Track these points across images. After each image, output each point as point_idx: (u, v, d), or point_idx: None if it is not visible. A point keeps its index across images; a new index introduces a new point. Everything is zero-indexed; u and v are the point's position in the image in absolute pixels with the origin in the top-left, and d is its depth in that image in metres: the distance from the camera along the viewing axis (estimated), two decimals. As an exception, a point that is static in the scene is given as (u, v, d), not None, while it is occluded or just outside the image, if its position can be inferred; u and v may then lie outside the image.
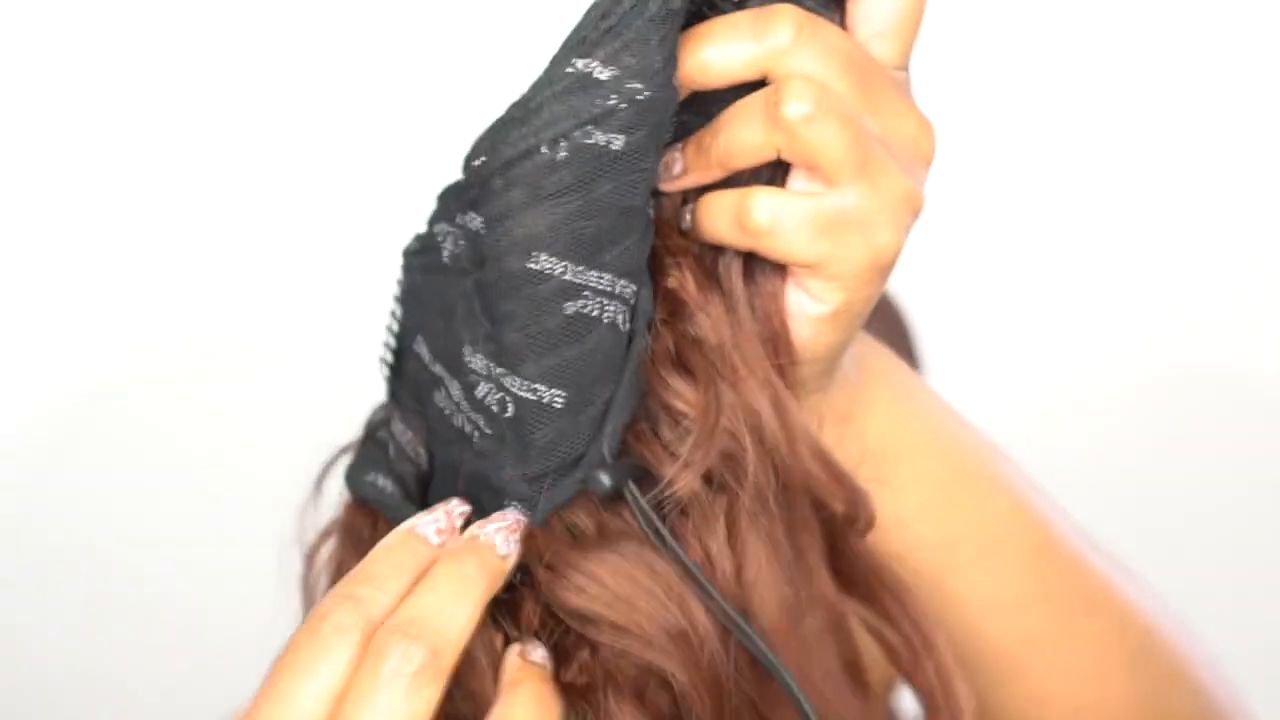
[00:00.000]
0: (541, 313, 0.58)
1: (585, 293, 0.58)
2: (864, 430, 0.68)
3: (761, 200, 0.60)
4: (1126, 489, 1.38)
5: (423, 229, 0.64)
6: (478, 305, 0.59)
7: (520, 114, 0.58)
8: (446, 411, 0.62)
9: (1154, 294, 1.39)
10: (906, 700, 0.94)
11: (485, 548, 0.59)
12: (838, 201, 0.60)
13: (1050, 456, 1.27)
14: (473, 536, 0.60)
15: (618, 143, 0.57)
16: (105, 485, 1.17)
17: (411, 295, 0.63)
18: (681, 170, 0.62)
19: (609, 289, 0.59)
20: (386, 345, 0.66)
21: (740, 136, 0.60)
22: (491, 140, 0.58)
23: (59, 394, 1.09)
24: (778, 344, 0.63)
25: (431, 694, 0.56)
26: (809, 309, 0.62)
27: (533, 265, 0.58)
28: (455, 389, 0.61)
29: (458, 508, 0.60)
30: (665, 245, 0.62)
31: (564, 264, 0.58)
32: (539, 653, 0.61)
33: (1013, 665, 0.72)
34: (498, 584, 0.59)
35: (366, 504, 0.64)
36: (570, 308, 0.58)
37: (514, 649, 0.61)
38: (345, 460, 0.68)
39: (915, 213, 0.62)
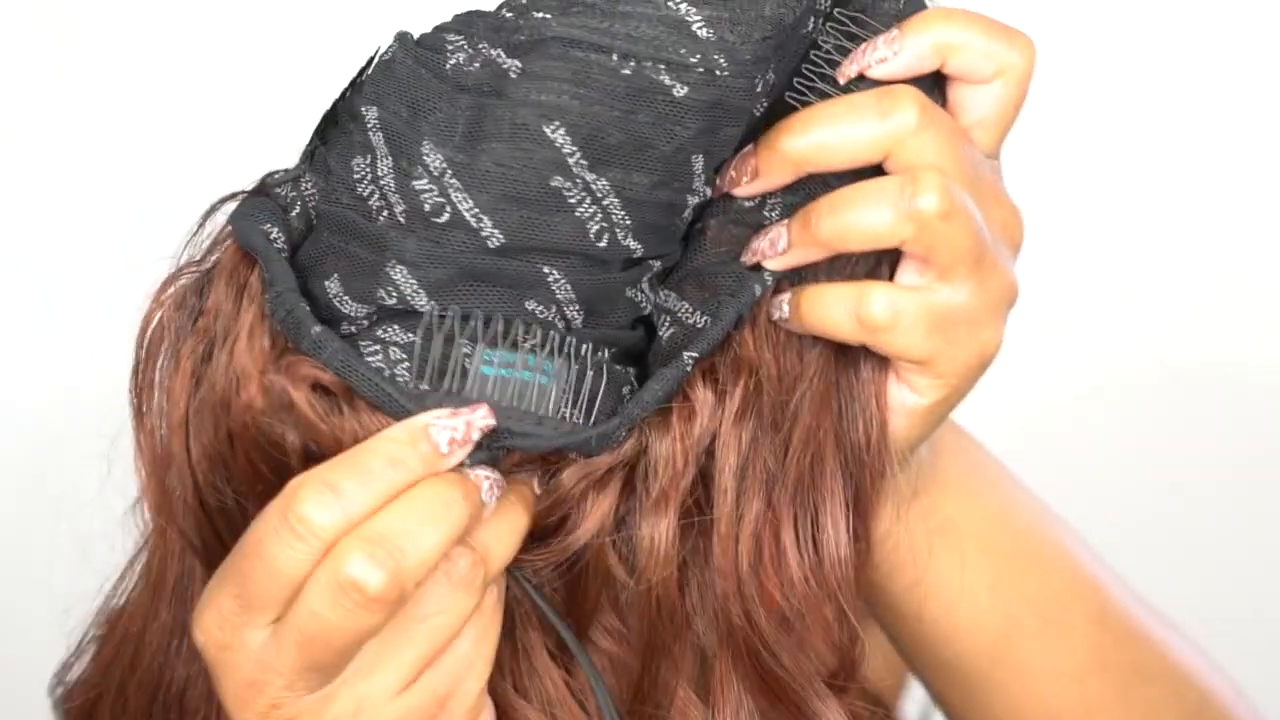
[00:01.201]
0: (527, 168, 0.57)
1: (578, 182, 0.57)
2: (934, 507, 0.68)
3: (880, 295, 0.59)
4: (1128, 490, 1.39)
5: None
6: (463, 122, 0.57)
7: (602, 8, 0.57)
8: (358, 176, 0.59)
9: (1156, 292, 1.39)
10: (910, 702, 0.94)
11: (473, 487, 0.58)
12: (949, 297, 0.60)
13: (1052, 457, 1.28)
14: (463, 471, 0.58)
15: (680, 91, 0.57)
16: (104, 484, 1.16)
17: (388, 70, 0.59)
18: (786, 246, 0.60)
19: (600, 197, 0.58)
20: (338, 98, 0.62)
21: (864, 221, 0.59)
22: (563, 5, 0.57)
23: (59, 394, 1.07)
24: (872, 437, 0.62)
25: (379, 621, 0.55)
26: (908, 402, 0.62)
27: (546, 129, 0.57)
28: (386, 165, 0.58)
29: (481, 420, 0.58)
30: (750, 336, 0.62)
31: (575, 149, 0.57)
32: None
33: None
34: (469, 527, 0.58)
35: (254, 253, 0.60)
36: (556, 182, 0.57)
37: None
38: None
39: (1013, 304, 0.62)
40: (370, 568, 0.55)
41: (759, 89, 0.58)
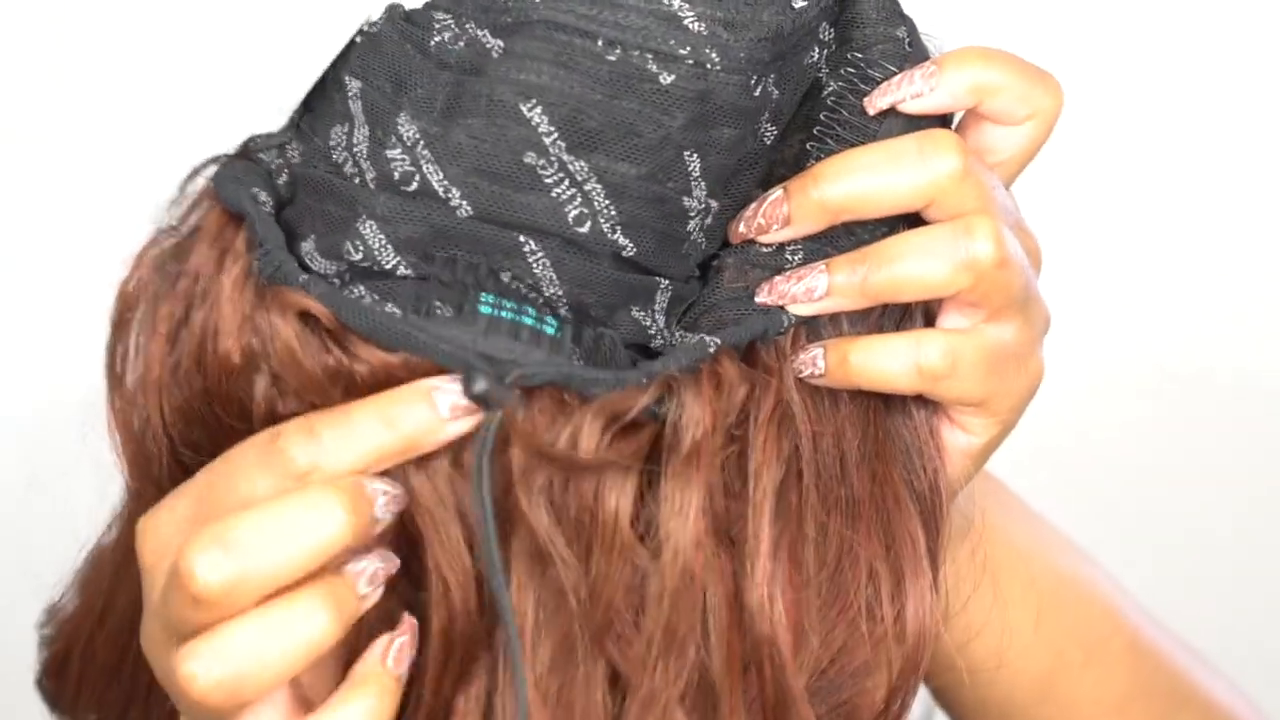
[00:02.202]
0: (500, 143, 0.56)
1: (554, 162, 0.56)
2: (978, 547, 0.67)
3: (939, 343, 0.59)
4: (1127, 492, 1.39)
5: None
6: (442, 98, 0.57)
7: None
8: (334, 143, 0.59)
9: (1155, 295, 1.40)
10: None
11: (365, 501, 0.54)
12: (999, 336, 0.59)
13: (1052, 460, 1.28)
14: (360, 481, 0.55)
15: (667, 79, 0.56)
16: (105, 486, 1.15)
17: (374, 43, 0.59)
18: (825, 294, 0.59)
19: (580, 180, 0.56)
20: (329, 68, 0.61)
21: (919, 272, 0.58)
22: None
23: (57, 393, 1.06)
24: (935, 484, 0.61)
25: (202, 620, 0.53)
26: (961, 444, 0.62)
27: (523, 107, 0.56)
28: (362, 134, 0.58)
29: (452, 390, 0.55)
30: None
31: (553, 129, 0.56)
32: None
33: None
34: (350, 545, 0.54)
35: (243, 214, 0.59)
36: (529, 159, 0.56)
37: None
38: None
39: (1048, 329, 0.63)
40: (208, 565, 0.52)
41: (757, 92, 0.58)
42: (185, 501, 0.56)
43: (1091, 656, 0.71)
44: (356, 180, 0.58)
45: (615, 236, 0.57)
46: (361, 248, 0.57)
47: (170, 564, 0.54)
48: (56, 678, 0.69)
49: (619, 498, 0.57)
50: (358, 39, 0.60)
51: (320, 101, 0.61)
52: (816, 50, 0.61)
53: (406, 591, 0.58)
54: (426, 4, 0.59)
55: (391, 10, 0.59)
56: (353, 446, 0.54)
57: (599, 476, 0.56)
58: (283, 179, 0.61)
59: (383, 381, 0.56)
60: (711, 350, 0.58)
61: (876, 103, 0.60)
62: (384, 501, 0.55)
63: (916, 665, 0.60)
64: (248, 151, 0.62)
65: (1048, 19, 1.35)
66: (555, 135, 0.56)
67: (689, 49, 0.56)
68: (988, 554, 0.68)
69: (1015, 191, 0.64)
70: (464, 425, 0.55)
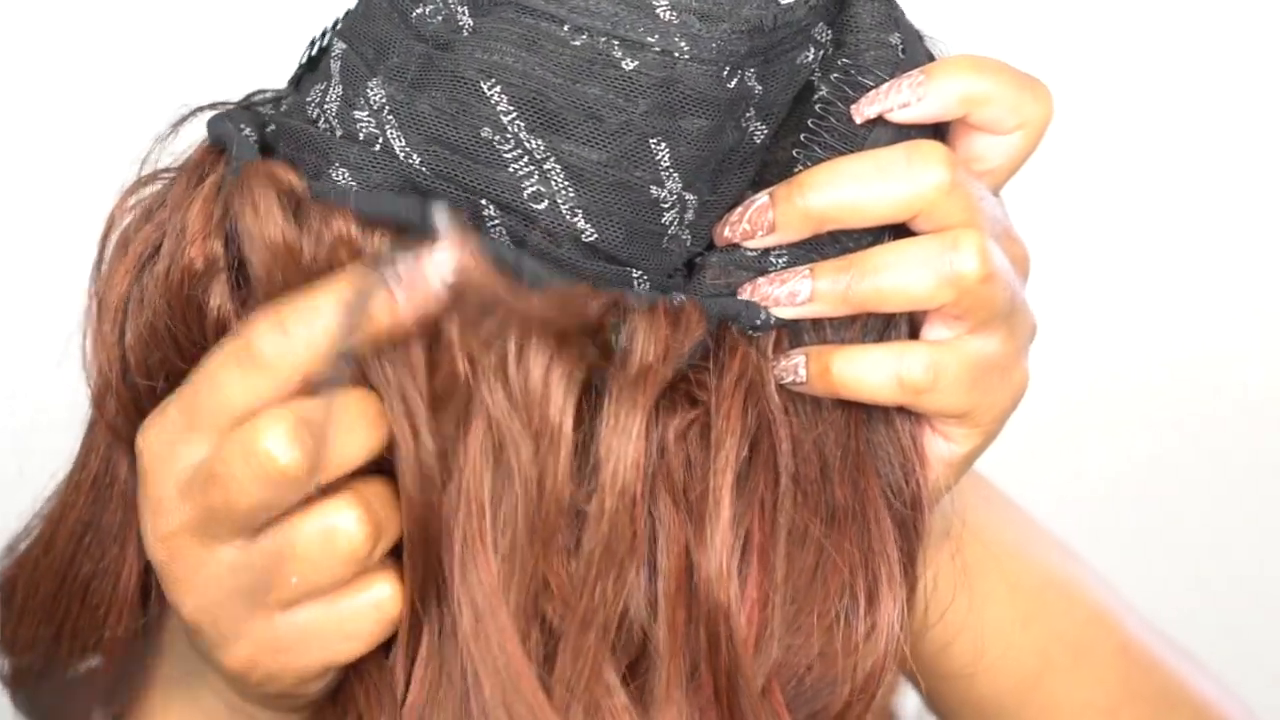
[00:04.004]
0: (459, 116, 0.57)
1: (510, 139, 0.57)
2: (959, 549, 0.67)
3: (921, 356, 0.59)
4: (1126, 494, 1.39)
5: None
6: (414, 69, 0.58)
7: None
8: (310, 99, 0.60)
9: (1152, 297, 1.39)
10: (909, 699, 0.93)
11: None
12: (982, 348, 0.59)
13: (1049, 463, 1.28)
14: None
15: (629, 64, 0.56)
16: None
17: (367, 9, 0.60)
18: (808, 299, 0.59)
19: (539, 159, 0.57)
20: (328, 29, 0.63)
21: (903, 284, 0.58)
22: None
23: (54, 393, 1.06)
24: (917, 495, 0.61)
25: (276, 499, 0.55)
26: (944, 453, 0.61)
27: (483, 85, 0.57)
28: (335, 93, 0.59)
29: (440, 266, 0.55)
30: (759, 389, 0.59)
31: (512, 109, 0.57)
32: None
33: None
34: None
35: (223, 139, 0.61)
36: (486, 133, 0.57)
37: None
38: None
39: (1034, 338, 0.62)
40: (288, 445, 0.55)
41: (731, 84, 0.57)
42: (175, 409, 0.58)
43: (1080, 658, 0.71)
44: (328, 134, 0.59)
45: (575, 220, 0.57)
46: (335, 194, 0.58)
47: (220, 454, 0.56)
48: (4, 607, 0.70)
49: (565, 394, 0.57)
50: (357, 4, 0.61)
51: (310, 71, 0.62)
52: (812, 50, 0.60)
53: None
54: None
55: None
56: (317, 332, 0.55)
57: (547, 364, 0.56)
58: (270, 128, 0.62)
59: (348, 256, 0.57)
60: (675, 301, 0.58)
61: (864, 111, 0.60)
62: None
63: (877, 679, 0.60)
64: (249, 103, 0.63)
65: (1043, 20, 1.35)
66: (514, 115, 0.57)
67: (657, 37, 0.56)
68: (971, 555, 0.68)
69: (1007, 193, 0.64)
70: (422, 304, 0.55)
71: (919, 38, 0.63)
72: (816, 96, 0.61)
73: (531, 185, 0.57)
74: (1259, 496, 1.41)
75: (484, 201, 0.57)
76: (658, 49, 0.56)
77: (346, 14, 0.61)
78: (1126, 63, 1.36)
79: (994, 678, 0.70)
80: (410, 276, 0.55)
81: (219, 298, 0.60)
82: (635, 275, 0.59)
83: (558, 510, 0.57)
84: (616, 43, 0.56)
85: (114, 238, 0.62)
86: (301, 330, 0.55)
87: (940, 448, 0.61)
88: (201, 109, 0.64)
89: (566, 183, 0.57)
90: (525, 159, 0.57)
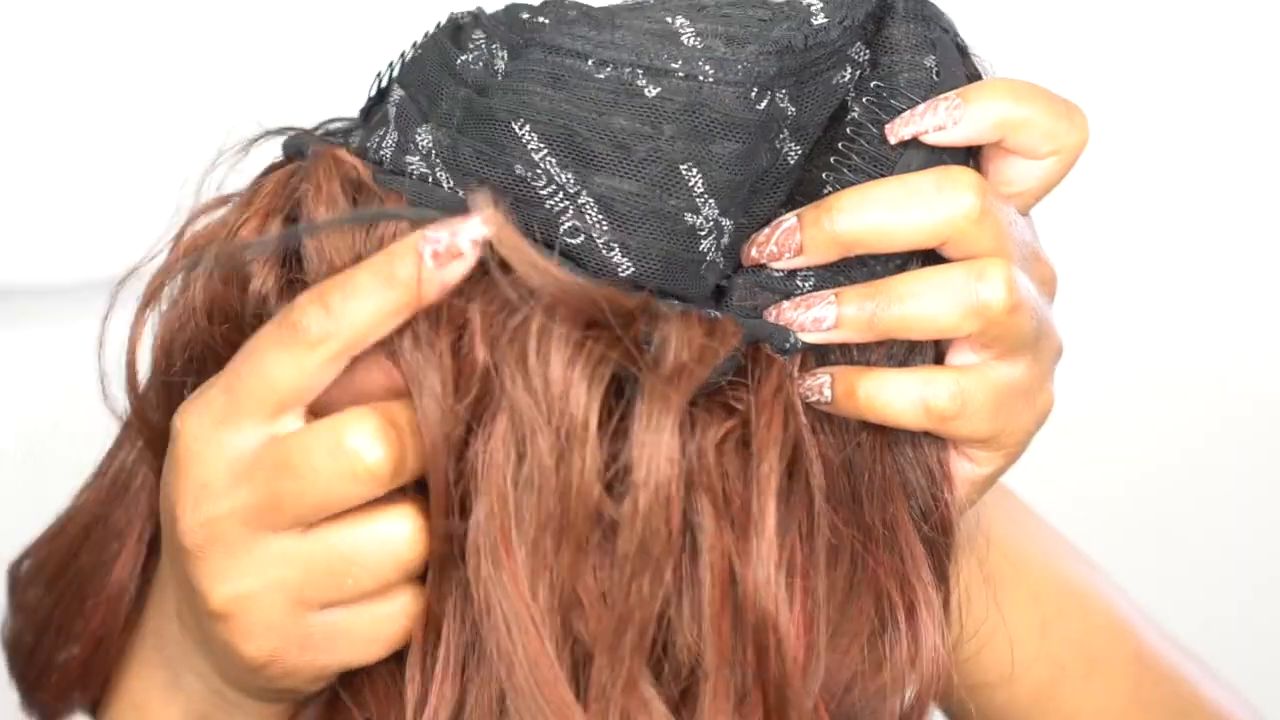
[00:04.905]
0: (495, 159, 0.57)
1: (543, 176, 0.57)
2: (982, 559, 0.67)
3: (947, 383, 0.59)
4: (1125, 496, 1.39)
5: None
6: (459, 114, 0.58)
7: (600, 20, 0.58)
8: (372, 145, 0.61)
9: (1153, 299, 1.40)
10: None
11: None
12: (1008, 374, 0.59)
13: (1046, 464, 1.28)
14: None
15: (652, 91, 0.57)
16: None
17: (418, 59, 0.62)
18: (833, 325, 0.59)
19: (573, 194, 0.57)
20: (392, 64, 0.63)
21: (929, 314, 0.58)
22: (557, 15, 0.59)
23: (58, 394, 1.06)
24: (945, 516, 0.61)
25: (358, 494, 0.55)
26: (968, 473, 0.61)
27: (514, 125, 0.57)
28: (391, 140, 0.60)
29: (471, 230, 0.55)
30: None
31: (543, 146, 0.57)
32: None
33: None
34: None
35: (296, 153, 0.62)
36: (520, 170, 0.57)
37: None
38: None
39: (1060, 357, 0.62)
40: (377, 443, 0.55)
41: (761, 105, 0.57)
42: (215, 392, 0.57)
43: (1094, 667, 0.72)
44: (389, 169, 0.60)
45: (611, 255, 0.57)
46: (395, 184, 0.59)
47: (301, 441, 0.56)
48: (10, 578, 0.71)
49: (588, 390, 0.56)
50: (412, 49, 0.62)
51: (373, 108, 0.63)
52: (849, 70, 0.60)
53: None
54: (469, 22, 0.61)
55: (442, 24, 0.62)
56: (361, 308, 0.55)
57: (569, 356, 0.56)
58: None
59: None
60: (709, 313, 0.58)
61: (899, 131, 0.59)
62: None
63: (932, 692, 0.60)
64: (323, 130, 0.64)
65: (1051, 28, 1.35)
66: (545, 151, 0.57)
67: (681, 63, 0.56)
68: (994, 565, 0.68)
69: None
70: (456, 271, 0.55)
71: (962, 54, 0.62)
72: (849, 117, 0.60)
73: (568, 220, 0.57)
74: (1277, 501, 1.42)
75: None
76: (681, 74, 0.56)
77: (403, 57, 0.62)
78: (1126, 63, 1.36)
79: (1012, 686, 0.70)
80: (446, 243, 0.55)
81: (263, 277, 0.60)
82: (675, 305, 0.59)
83: (585, 510, 0.56)
84: (641, 71, 0.56)
85: (180, 258, 0.62)
86: (347, 306, 0.55)
87: (964, 467, 0.61)
88: (272, 132, 0.64)
89: (601, 216, 0.57)
90: (560, 194, 0.57)
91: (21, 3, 1.20)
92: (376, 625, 0.57)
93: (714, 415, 0.58)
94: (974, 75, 0.63)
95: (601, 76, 0.57)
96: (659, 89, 0.56)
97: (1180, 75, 1.37)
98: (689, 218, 0.58)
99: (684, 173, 0.57)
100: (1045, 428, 0.62)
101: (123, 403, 0.65)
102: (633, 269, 0.57)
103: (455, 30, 0.61)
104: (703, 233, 0.58)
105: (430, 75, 0.60)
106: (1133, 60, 1.36)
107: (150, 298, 0.62)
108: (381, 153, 0.60)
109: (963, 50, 0.62)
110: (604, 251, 0.57)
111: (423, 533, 0.57)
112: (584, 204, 0.57)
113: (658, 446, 0.55)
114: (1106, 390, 1.37)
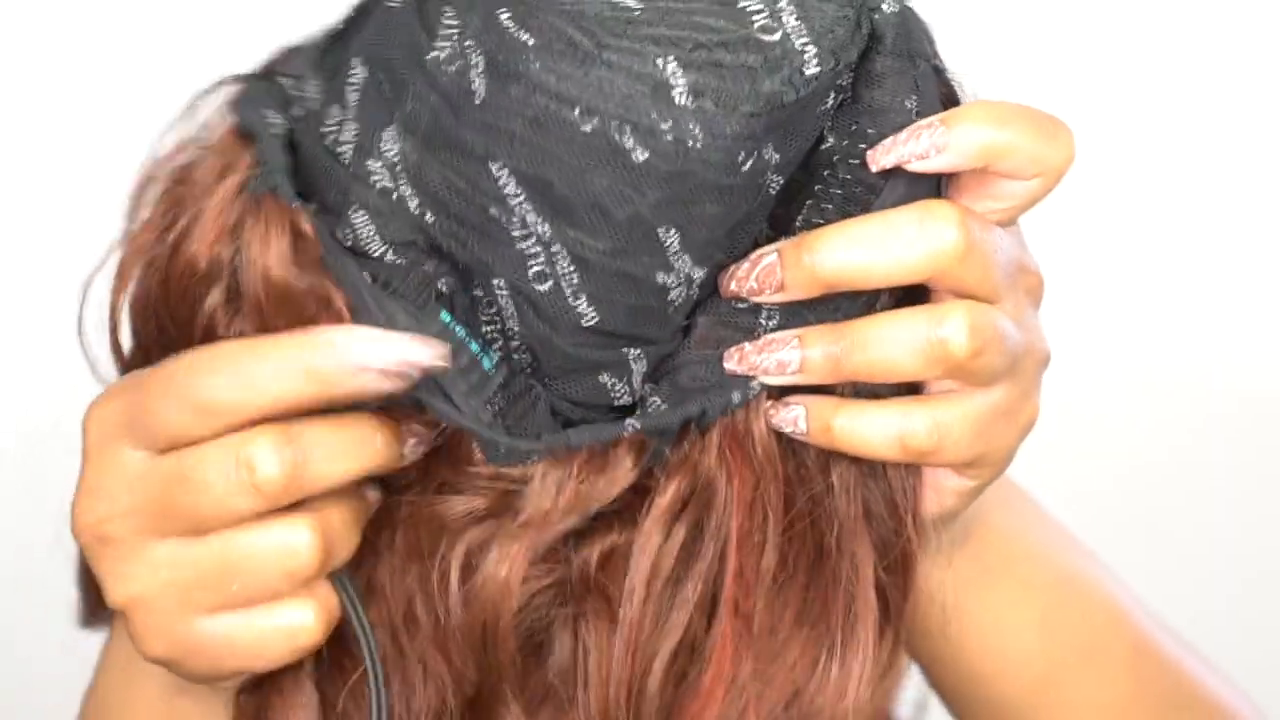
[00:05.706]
0: (467, 195, 0.56)
1: (517, 222, 0.55)
2: (981, 551, 0.68)
3: (924, 417, 0.58)
4: (1123, 497, 1.39)
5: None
6: (426, 123, 0.56)
7: (587, 54, 0.53)
8: (328, 126, 0.59)
9: (1151, 299, 1.40)
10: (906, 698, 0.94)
11: (398, 437, 0.58)
12: (985, 400, 0.59)
13: (1046, 464, 1.28)
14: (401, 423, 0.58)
15: (640, 156, 0.54)
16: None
17: (385, 28, 0.58)
18: (798, 370, 0.58)
19: (547, 242, 0.55)
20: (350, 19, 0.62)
21: (891, 359, 0.57)
22: (541, 38, 0.54)
23: (60, 394, 1.06)
24: (908, 546, 0.61)
25: (248, 508, 0.55)
26: (954, 485, 0.61)
27: (491, 165, 0.55)
28: (351, 131, 0.58)
29: (424, 354, 0.55)
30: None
31: (519, 192, 0.55)
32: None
33: None
34: (376, 473, 0.58)
35: (251, 132, 0.60)
36: (494, 212, 0.56)
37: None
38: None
39: (1046, 365, 0.62)
40: (272, 456, 0.55)
41: (746, 167, 0.55)
42: (123, 402, 0.57)
43: (1093, 658, 0.71)
44: (350, 169, 0.58)
45: (577, 304, 0.57)
46: (352, 236, 0.58)
47: (198, 456, 0.56)
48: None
49: (509, 565, 0.59)
50: (377, 12, 0.59)
51: (336, 51, 0.61)
52: (832, 97, 0.58)
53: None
54: (448, 19, 0.56)
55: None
56: (270, 387, 0.55)
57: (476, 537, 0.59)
58: (295, 110, 0.61)
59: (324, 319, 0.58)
60: (626, 433, 0.58)
61: (880, 160, 0.58)
62: (413, 443, 0.58)
63: None
64: (270, 71, 0.62)
65: (1041, 27, 1.35)
66: (521, 198, 0.55)
67: (670, 124, 0.53)
68: (992, 557, 0.68)
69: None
70: (367, 380, 0.55)
71: (938, 74, 0.61)
72: (826, 147, 0.59)
73: (538, 265, 0.56)
74: (1273, 494, 1.42)
75: (495, 280, 0.57)
76: (670, 137, 0.53)
77: (357, 23, 0.60)
78: (1127, 64, 1.36)
79: (1010, 678, 0.70)
80: (370, 355, 0.55)
81: (213, 301, 0.60)
82: (632, 354, 0.58)
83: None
84: (629, 128, 0.53)
85: (146, 198, 0.63)
86: (252, 375, 0.55)
87: (951, 481, 0.61)
88: (227, 80, 0.63)
89: (572, 268, 0.56)
90: (533, 240, 0.56)
91: (21, 3, 1.20)
92: (262, 638, 0.57)
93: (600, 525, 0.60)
94: (951, 98, 0.61)
95: (587, 130, 0.53)
96: (647, 154, 0.54)
97: (1155, 71, 1.37)
98: (660, 276, 0.57)
99: (661, 235, 0.56)
100: (1045, 418, 0.62)
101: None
102: (597, 319, 0.57)
103: (417, 6, 0.57)
104: (673, 286, 0.57)
105: (396, 61, 0.57)
106: (1110, 55, 1.36)
107: (123, 279, 0.63)
108: (341, 147, 0.58)
109: (939, 71, 0.61)
110: (570, 300, 0.56)
111: (320, 547, 0.57)
112: (556, 253, 0.56)
113: (497, 575, 0.59)
114: (1093, 386, 1.37)
